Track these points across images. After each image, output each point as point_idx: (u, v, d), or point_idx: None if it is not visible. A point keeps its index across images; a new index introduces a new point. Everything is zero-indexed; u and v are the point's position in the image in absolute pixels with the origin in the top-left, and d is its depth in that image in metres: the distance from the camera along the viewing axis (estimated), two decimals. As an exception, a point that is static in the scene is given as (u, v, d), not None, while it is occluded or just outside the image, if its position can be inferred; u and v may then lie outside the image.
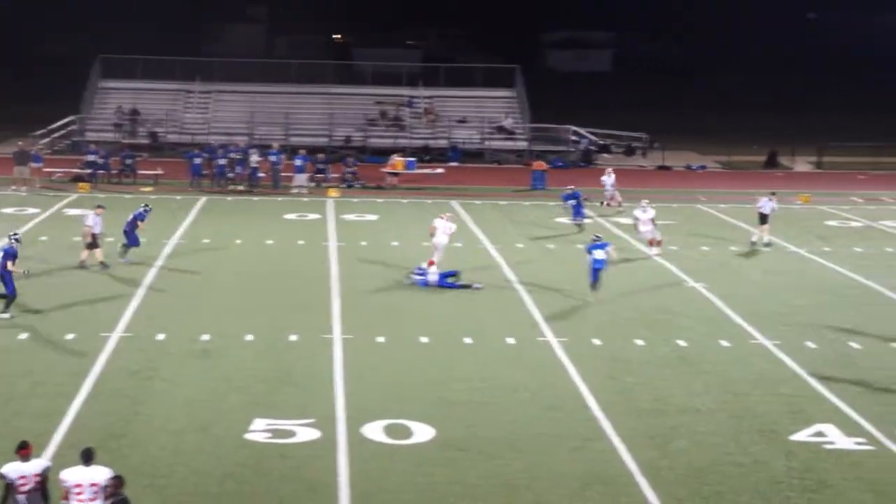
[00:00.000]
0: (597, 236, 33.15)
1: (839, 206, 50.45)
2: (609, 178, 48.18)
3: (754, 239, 39.92)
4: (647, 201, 38.97)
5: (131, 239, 35.21)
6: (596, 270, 31.60)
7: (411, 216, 45.30)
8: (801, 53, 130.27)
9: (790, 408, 22.80)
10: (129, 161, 53.45)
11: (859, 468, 19.76)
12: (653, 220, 37.96)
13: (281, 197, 49.39)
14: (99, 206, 35.10)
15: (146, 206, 36.86)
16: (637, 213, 38.45)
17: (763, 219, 40.02)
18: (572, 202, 42.77)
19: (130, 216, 35.55)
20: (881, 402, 23.29)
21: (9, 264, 28.16)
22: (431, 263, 33.40)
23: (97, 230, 33.97)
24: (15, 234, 29.99)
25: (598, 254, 31.73)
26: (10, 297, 28.21)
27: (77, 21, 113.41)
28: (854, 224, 45.93)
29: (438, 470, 19.25)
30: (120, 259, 34.67)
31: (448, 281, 32.55)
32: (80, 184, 50.71)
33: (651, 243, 37.83)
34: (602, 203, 47.63)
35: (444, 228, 34.30)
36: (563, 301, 31.19)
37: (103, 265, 33.59)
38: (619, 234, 40.94)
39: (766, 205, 40.11)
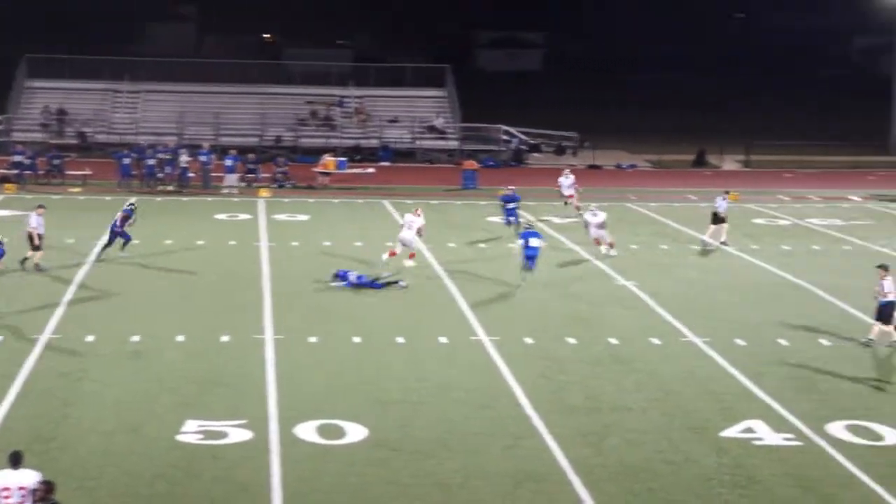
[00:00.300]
0: (529, 224, 34.10)
1: (767, 204, 50.98)
2: (567, 180, 46.99)
3: (723, 240, 40.11)
4: (595, 205, 38.96)
5: (125, 235, 35.45)
6: (529, 258, 32.67)
7: (343, 216, 45.26)
8: (730, 53, 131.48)
9: (720, 405, 23.00)
10: (56, 161, 52.96)
11: (787, 464, 19.97)
12: (603, 224, 37.71)
13: (211, 197, 49.12)
14: (40, 206, 34.51)
15: (132, 203, 37.37)
16: (587, 217, 38.21)
17: (716, 218, 40.17)
18: (512, 205, 41.53)
19: (119, 214, 35.58)
20: (808, 398, 23.55)
21: None
22: (392, 254, 34.14)
23: (41, 230, 33.53)
24: None
25: (533, 241, 32.82)
26: None
27: (1, 19, 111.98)
28: (782, 222, 46.44)
29: (371, 470, 19.21)
30: (121, 254, 35.21)
31: (376, 282, 32.43)
32: (7, 185, 50.14)
33: (597, 243, 37.56)
34: (566, 203, 46.52)
35: (409, 223, 34.67)
36: (496, 300, 31.26)
37: (38, 267, 33.18)
38: (551, 234, 41.03)
39: (721, 204, 40.36)
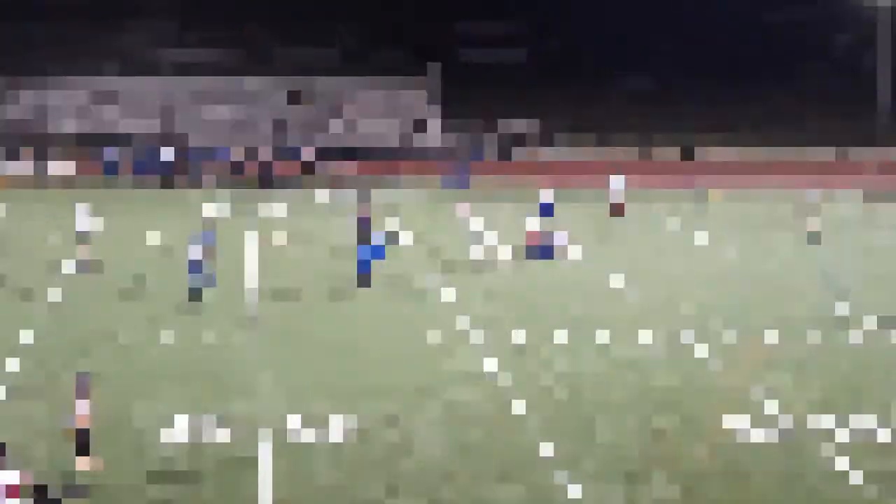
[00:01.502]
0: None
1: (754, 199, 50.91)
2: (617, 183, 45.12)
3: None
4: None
5: None
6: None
7: (328, 210, 45.19)
8: (715, 49, 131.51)
9: (710, 399, 22.95)
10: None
11: (776, 459, 19.87)
12: None
13: (196, 191, 49.02)
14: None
15: None
16: None
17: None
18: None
19: None
20: (798, 392, 23.50)
21: None
22: None
23: None
24: None
25: None
26: None
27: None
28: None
29: (360, 464, 19.10)
30: None
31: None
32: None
33: None
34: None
35: None
36: (485, 294, 31.21)
37: None
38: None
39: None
